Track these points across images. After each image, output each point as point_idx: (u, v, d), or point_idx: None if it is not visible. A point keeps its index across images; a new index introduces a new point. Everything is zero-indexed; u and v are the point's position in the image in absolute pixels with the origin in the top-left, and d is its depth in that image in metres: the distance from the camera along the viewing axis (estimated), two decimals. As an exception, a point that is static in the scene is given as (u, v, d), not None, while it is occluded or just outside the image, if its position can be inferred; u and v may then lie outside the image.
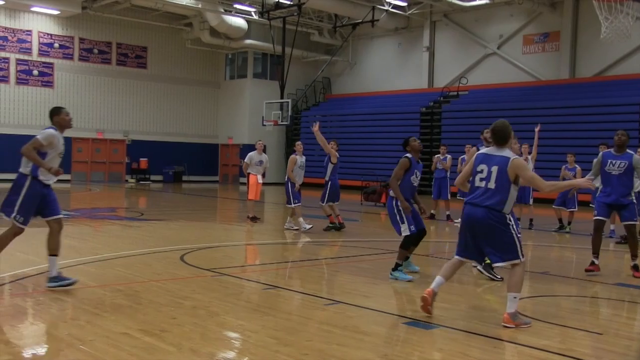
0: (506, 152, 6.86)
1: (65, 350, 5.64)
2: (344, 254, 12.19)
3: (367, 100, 36.86)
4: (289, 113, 31.76)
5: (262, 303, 7.92)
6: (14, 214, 7.70)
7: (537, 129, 14.11)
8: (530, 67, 31.60)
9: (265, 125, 32.06)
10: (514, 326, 6.55)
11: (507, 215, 6.79)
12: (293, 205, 14.86)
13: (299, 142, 15.88)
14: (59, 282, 7.72)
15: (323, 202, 15.16)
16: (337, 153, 15.13)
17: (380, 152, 32.73)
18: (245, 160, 16.58)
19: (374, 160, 32.15)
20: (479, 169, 6.95)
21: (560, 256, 12.70)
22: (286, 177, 15.24)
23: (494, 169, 6.79)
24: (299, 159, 15.21)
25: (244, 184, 21.90)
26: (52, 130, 7.88)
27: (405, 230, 9.02)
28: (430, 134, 31.65)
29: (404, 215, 9.02)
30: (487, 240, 6.85)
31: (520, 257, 6.75)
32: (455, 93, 32.88)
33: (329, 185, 15.10)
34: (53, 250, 7.85)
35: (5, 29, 33.27)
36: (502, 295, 8.14)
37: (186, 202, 25.74)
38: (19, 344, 5.83)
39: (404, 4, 33.35)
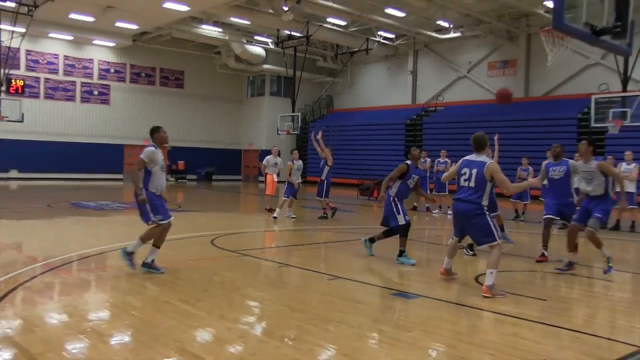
0: (483, 158, 7.15)
1: (121, 314, 5.71)
2: (343, 238, 12.20)
3: (363, 114, 36.81)
4: (299, 124, 31.74)
5: (277, 278, 7.98)
6: (152, 218, 7.52)
7: (496, 138, 14.11)
8: (493, 88, 31.45)
9: (279, 134, 32.02)
10: (491, 296, 6.65)
11: (485, 207, 7.00)
12: (284, 198, 14.89)
13: (295, 151, 15.85)
14: (149, 269, 7.48)
15: (321, 197, 15.23)
16: (332, 157, 15.30)
17: (373, 156, 32.69)
18: (263, 163, 16.61)
19: (368, 163, 32.11)
20: (462, 171, 7.21)
21: (516, 240, 12.71)
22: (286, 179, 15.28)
23: (474, 171, 7.05)
24: (296, 163, 15.21)
25: (262, 182, 21.85)
26: (152, 148, 7.54)
27: (400, 220, 8.85)
28: (413, 142, 31.55)
29: (400, 207, 8.90)
30: (471, 226, 7.12)
31: (497, 239, 6.94)
32: (434, 108, 32.85)
33: (325, 184, 15.17)
34: (157, 242, 7.62)
35: (73, 58, 33.41)
36: (474, 270, 8.20)
37: (215, 196, 25.81)
38: (84, 309, 5.90)
39: (392, 36, 33.39)
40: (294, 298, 6.60)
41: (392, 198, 9.02)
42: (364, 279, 7.72)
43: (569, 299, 7.09)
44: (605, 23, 7.18)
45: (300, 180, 15.47)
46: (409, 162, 9.05)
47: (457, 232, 7.49)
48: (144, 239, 7.61)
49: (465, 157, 7.35)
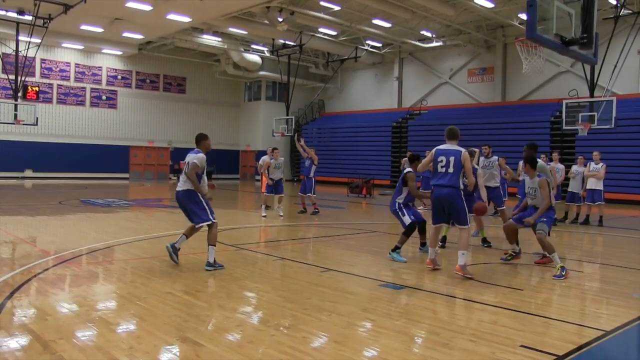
0: (456, 147, 7.42)
1: (126, 304, 5.67)
2: (334, 233, 12.12)
3: (352, 117, 36.78)
4: (293, 127, 31.73)
5: (272, 270, 7.95)
6: (212, 217, 7.55)
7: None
8: (472, 93, 31.60)
9: (274, 135, 31.97)
10: (462, 274, 6.99)
11: (461, 191, 7.33)
12: (265, 193, 14.72)
13: (276, 150, 15.03)
14: (214, 267, 7.41)
15: (312, 193, 15.27)
16: (316, 156, 15.56)
17: (362, 156, 32.70)
18: (259, 163, 16.55)
19: (357, 162, 32.10)
20: (439, 159, 7.41)
21: (496, 234, 12.72)
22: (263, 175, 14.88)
23: (452, 158, 7.31)
24: (274, 161, 14.64)
25: (258, 180, 21.80)
26: (203, 155, 7.69)
27: (406, 220, 8.57)
28: (399, 143, 31.66)
29: (405, 211, 8.64)
30: (450, 209, 7.39)
31: (468, 223, 7.36)
32: (418, 112, 32.83)
33: (313, 181, 15.40)
34: (211, 241, 7.53)
35: (84, 66, 33.24)
36: (456, 263, 8.20)
37: (215, 194, 25.63)
38: (93, 299, 5.86)
39: (379, 45, 33.36)
40: (288, 289, 6.57)
41: (398, 205, 8.75)
42: (354, 271, 7.71)
43: (543, 288, 7.09)
44: (574, 35, 7.26)
45: (279, 177, 14.76)
46: (410, 170, 8.73)
47: (437, 219, 7.61)
48: (213, 243, 7.54)
49: (439, 147, 7.56)
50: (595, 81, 19.99)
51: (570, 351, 4.49)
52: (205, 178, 7.87)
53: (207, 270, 7.36)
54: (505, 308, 5.79)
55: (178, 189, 7.67)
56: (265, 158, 16.19)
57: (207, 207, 7.58)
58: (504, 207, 11.49)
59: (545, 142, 24.69)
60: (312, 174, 15.38)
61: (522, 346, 4.57)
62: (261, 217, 14.39)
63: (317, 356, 4.31)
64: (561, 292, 6.86)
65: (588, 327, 5.24)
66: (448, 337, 4.79)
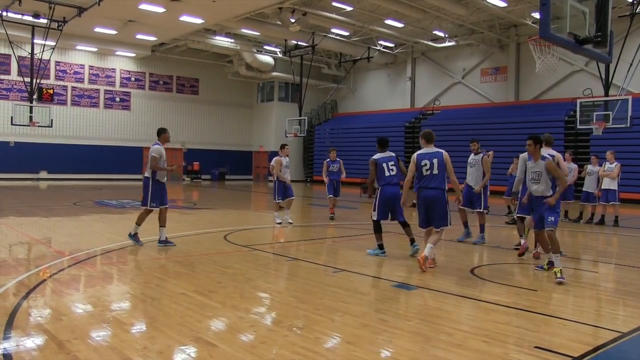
0: (435, 149, 7.69)
1: (140, 305, 5.71)
2: (347, 234, 12.14)
3: (365, 118, 36.76)
4: (306, 127, 31.74)
5: (285, 271, 7.95)
6: (149, 203, 9.13)
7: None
8: (486, 93, 31.46)
9: (287, 136, 32.05)
10: (422, 263, 7.32)
11: (446, 193, 7.61)
12: (276, 201, 13.30)
13: (286, 146, 13.63)
14: (164, 244, 9.10)
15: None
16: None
17: (374, 157, 32.67)
18: (272, 163, 16.39)
19: (369, 163, 32.06)
20: (422, 163, 7.61)
21: (509, 234, 12.66)
22: (275, 176, 13.37)
23: (435, 160, 7.55)
24: (284, 159, 13.35)
25: (270, 181, 21.81)
26: (158, 146, 9.08)
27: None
28: (412, 143, 31.55)
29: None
30: (435, 210, 7.59)
31: (448, 224, 7.65)
32: (431, 112, 32.77)
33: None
34: (162, 223, 9.28)
35: (97, 68, 33.58)
36: (470, 263, 8.16)
37: (228, 195, 25.79)
38: (107, 300, 5.90)
39: (392, 45, 33.35)
40: (301, 289, 6.57)
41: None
42: (367, 272, 7.69)
43: (557, 289, 7.03)
44: (588, 33, 7.19)
45: (289, 179, 13.57)
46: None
47: (425, 222, 7.77)
48: (163, 224, 9.28)
49: (419, 152, 7.75)
50: (610, 80, 19.80)
51: (586, 353, 4.44)
52: (164, 164, 9.22)
53: (159, 246, 9.03)
54: (519, 309, 5.75)
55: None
56: (277, 158, 16.03)
57: (151, 196, 9.09)
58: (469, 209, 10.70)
59: (560, 142, 24.51)
60: (341, 177, 14.93)
61: (536, 347, 4.53)
62: (275, 224, 13.24)
63: (330, 357, 4.30)
64: (576, 292, 6.80)
65: (604, 328, 5.19)
66: (461, 338, 4.76)
